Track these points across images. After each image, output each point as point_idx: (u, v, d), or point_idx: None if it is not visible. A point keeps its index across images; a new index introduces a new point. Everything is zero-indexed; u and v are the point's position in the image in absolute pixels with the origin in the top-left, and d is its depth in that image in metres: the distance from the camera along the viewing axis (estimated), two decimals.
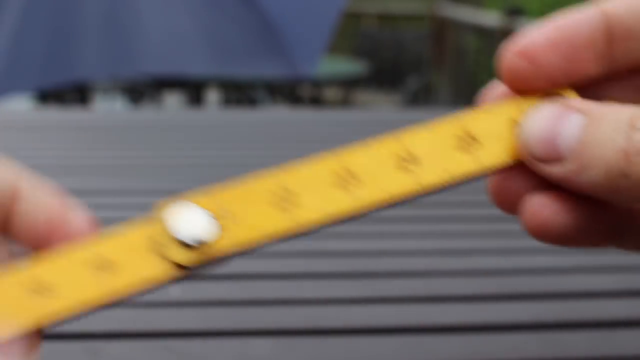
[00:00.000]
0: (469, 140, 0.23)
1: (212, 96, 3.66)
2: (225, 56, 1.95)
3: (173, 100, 3.51)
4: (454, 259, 0.62)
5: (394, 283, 0.56)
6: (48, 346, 0.23)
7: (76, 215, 0.23)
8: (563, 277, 0.56)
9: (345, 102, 4.45)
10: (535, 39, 0.23)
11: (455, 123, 0.24)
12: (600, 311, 0.51)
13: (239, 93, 3.80)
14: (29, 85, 1.92)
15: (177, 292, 0.53)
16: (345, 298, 0.53)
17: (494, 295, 0.54)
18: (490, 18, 4.31)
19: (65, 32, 1.81)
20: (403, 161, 0.23)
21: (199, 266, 0.22)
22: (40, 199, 0.23)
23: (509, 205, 0.23)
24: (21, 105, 2.66)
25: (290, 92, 4.25)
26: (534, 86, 0.23)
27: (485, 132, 0.23)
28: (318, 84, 4.24)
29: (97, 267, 0.21)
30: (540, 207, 0.22)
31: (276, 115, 1.75)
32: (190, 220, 0.22)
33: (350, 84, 4.45)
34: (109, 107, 3.43)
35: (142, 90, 3.54)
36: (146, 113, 2.14)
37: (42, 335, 0.21)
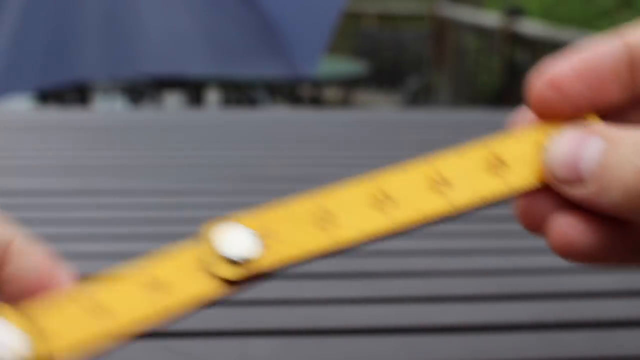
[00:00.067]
0: (498, 164, 0.24)
1: (212, 96, 3.67)
2: (225, 56, 1.95)
3: (173, 100, 3.51)
4: (454, 259, 0.62)
5: (393, 283, 0.56)
6: None
7: (62, 273, 0.24)
8: (563, 277, 0.56)
9: (345, 102, 4.45)
10: (562, 70, 0.24)
11: (484, 147, 0.25)
12: (600, 311, 0.51)
13: (239, 93, 3.80)
14: (29, 85, 1.93)
15: None
16: (345, 298, 0.53)
17: (494, 295, 0.54)
18: (490, 18, 4.32)
19: (65, 32, 1.81)
20: (435, 184, 0.24)
21: (245, 281, 0.23)
22: (31, 258, 0.24)
23: (535, 225, 0.24)
24: (21, 105, 2.66)
25: (290, 92, 4.25)
26: (560, 113, 0.24)
27: (513, 156, 0.24)
28: (318, 84, 4.25)
29: (152, 288, 0.23)
30: (566, 227, 0.23)
31: (276, 115, 1.75)
32: (236, 239, 0.23)
33: (350, 84, 4.45)
34: (109, 107, 3.43)
35: (142, 90, 3.54)
36: (146, 113, 2.14)
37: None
